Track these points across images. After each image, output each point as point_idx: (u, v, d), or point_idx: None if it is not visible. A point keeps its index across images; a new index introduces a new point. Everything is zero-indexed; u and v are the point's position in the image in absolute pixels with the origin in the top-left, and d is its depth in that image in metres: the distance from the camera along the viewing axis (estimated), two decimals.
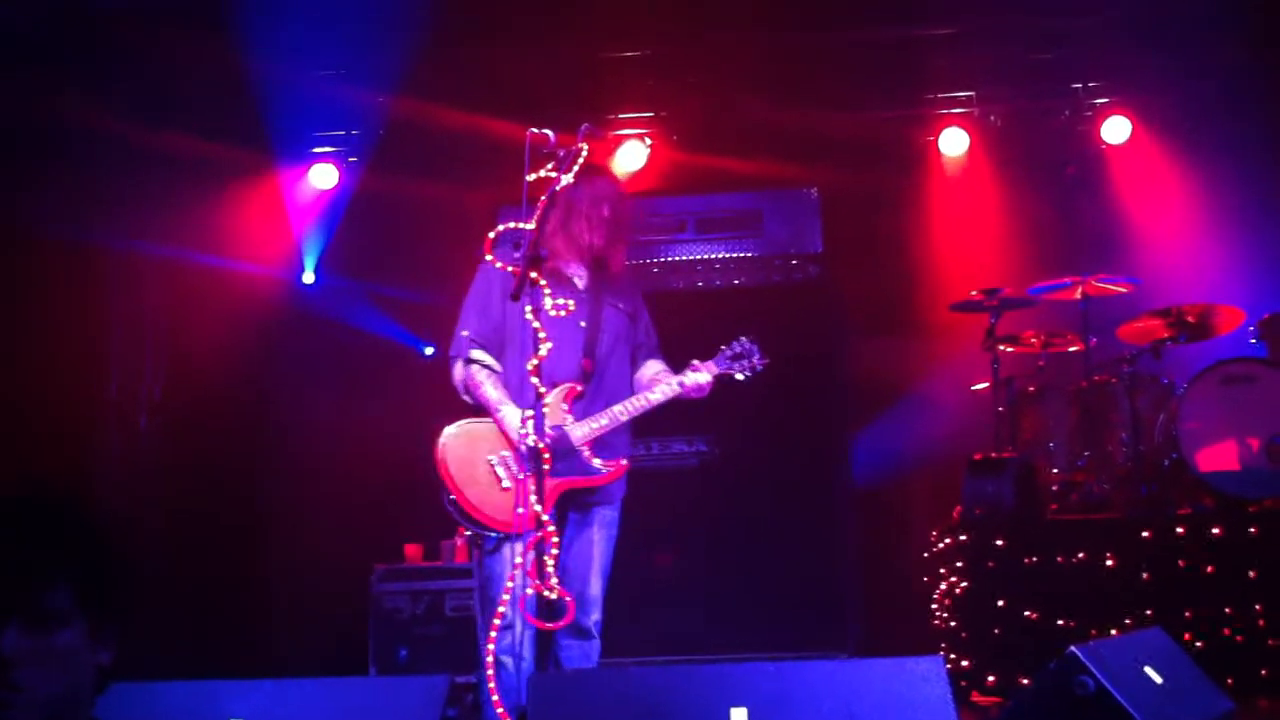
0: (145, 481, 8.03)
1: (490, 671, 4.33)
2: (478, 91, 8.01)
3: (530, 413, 4.32)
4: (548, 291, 4.39)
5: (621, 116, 8.43)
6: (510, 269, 4.48)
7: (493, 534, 4.57)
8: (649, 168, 8.41)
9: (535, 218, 4.33)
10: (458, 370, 4.79)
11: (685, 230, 7.50)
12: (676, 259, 7.44)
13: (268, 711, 3.67)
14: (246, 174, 8.31)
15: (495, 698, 4.23)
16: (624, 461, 4.78)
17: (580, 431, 4.65)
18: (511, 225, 4.51)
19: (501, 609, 4.38)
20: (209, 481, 8.02)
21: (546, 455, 4.22)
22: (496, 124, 7.62)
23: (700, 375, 4.76)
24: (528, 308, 4.29)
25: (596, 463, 4.66)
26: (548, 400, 4.48)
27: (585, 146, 4.43)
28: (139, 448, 8.24)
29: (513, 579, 4.43)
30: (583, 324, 4.74)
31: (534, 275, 4.28)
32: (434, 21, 7.38)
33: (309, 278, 8.53)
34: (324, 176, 8.49)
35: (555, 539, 4.30)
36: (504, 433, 4.61)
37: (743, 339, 4.86)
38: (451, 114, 8.16)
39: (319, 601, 7.56)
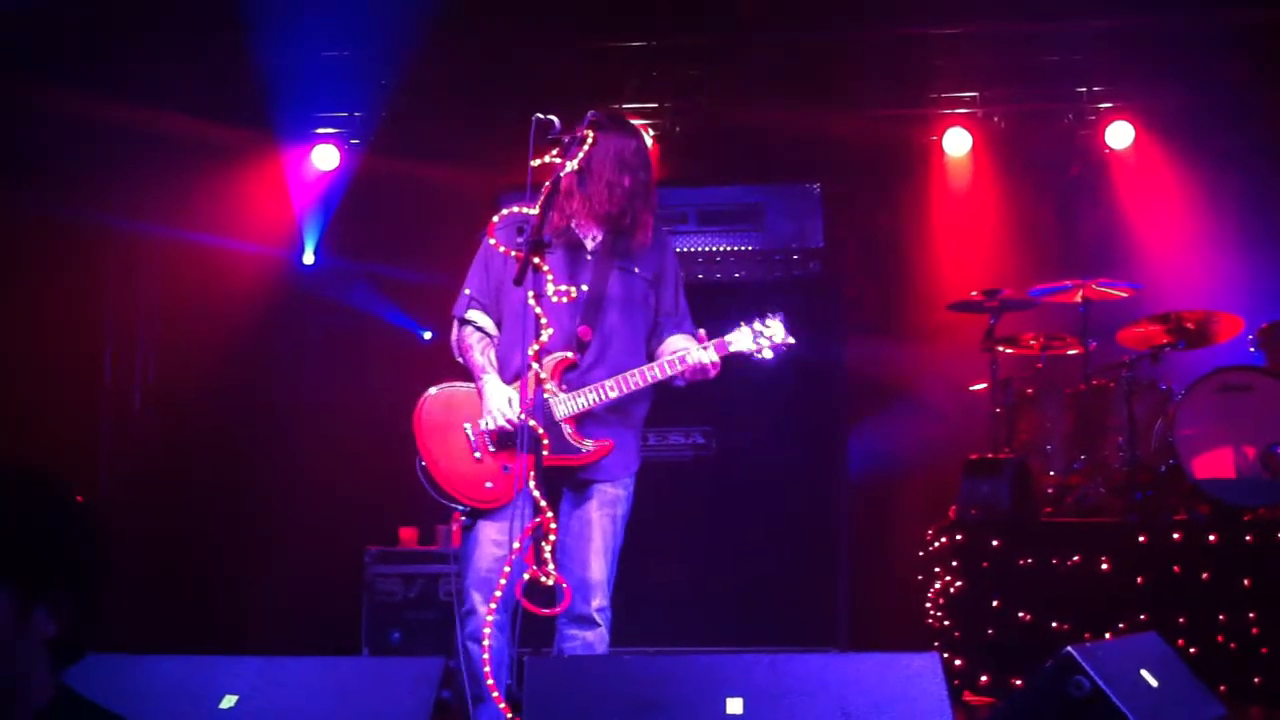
0: (139, 461, 8.02)
1: (486, 652, 4.24)
2: (482, 76, 7.99)
3: (514, 392, 4.34)
4: (550, 278, 4.29)
5: (626, 106, 8.41)
6: (514, 254, 4.41)
7: (459, 507, 4.43)
8: (652, 158, 8.38)
9: (539, 203, 4.24)
10: (455, 329, 4.65)
11: (687, 222, 7.47)
12: (678, 250, 7.36)
13: (262, 688, 3.65)
14: (248, 154, 8.27)
15: (487, 669, 4.18)
16: (610, 441, 4.42)
17: (563, 408, 4.36)
18: (516, 209, 4.45)
19: (476, 594, 4.32)
20: (204, 461, 8.01)
21: (545, 441, 4.15)
22: (500, 109, 7.60)
23: (706, 354, 4.39)
24: (530, 293, 4.23)
25: (587, 444, 4.39)
26: (541, 373, 4.37)
27: (590, 134, 4.34)
28: (133, 427, 8.22)
29: (482, 562, 4.36)
30: (584, 288, 4.45)
31: (536, 261, 4.22)
32: (439, 5, 7.36)
33: (309, 258, 8.50)
34: (326, 157, 8.47)
35: (553, 524, 4.14)
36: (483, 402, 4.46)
37: (768, 316, 4.51)
38: (455, 98, 8.14)
39: (313, 583, 7.52)
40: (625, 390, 4.42)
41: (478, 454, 4.43)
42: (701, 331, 4.48)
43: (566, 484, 4.47)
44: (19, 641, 2.00)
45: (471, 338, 4.57)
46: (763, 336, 4.48)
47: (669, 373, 4.43)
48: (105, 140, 7.79)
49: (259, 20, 7.47)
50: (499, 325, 4.61)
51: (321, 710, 3.65)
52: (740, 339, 4.47)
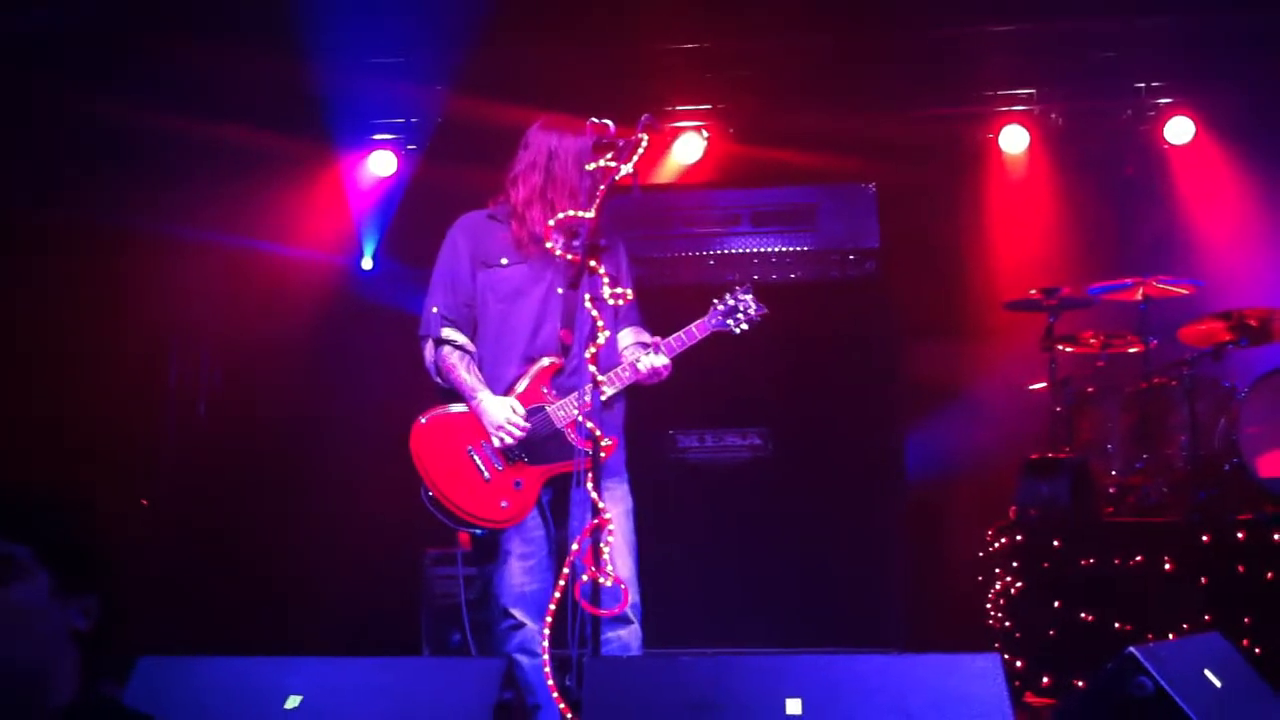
0: (203, 463, 8.12)
1: (547, 665, 4.24)
2: (535, 81, 8.01)
3: (515, 402, 4.35)
4: (606, 280, 4.31)
5: (679, 109, 8.43)
6: (570, 256, 4.41)
7: (476, 530, 4.42)
8: (706, 160, 8.41)
9: (594, 207, 4.25)
10: (428, 351, 4.61)
11: (741, 223, 7.45)
12: (731, 252, 7.40)
13: (325, 688, 3.69)
14: (306, 161, 8.37)
15: (550, 682, 4.21)
16: (614, 439, 4.45)
17: (562, 412, 4.43)
18: (570, 214, 4.46)
19: (517, 610, 4.34)
20: (266, 464, 8.09)
21: (604, 444, 4.13)
22: (553, 112, 7.60)
23: (657, 359, 4.45)
24: (586, 296, 4.23)
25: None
26: (525, 380, 4.39)
27: (645, 137, 4.28)
28: (197, 431, 8.33)
29: (514, 579, 4.36)
30: (560, 290, 4.46)
31: (593, 264, 4.24)
32: (492, 10, 7.40)
33: (367, 264, 8.58)
34: (383, 163, 8.54)
35: (611, 525, 4.14)
36: (481, 421, 4.43)
37: (736, 291, 4.58)
38: (509, 103, 8.16)
39: (373, 585, 7.59)
40: (617, 388, 4.46)
41: (487, 475, 4.42)
42: (657, 338, 4.52)
43: (573, 487, 4.37)
44: (49, 625, 2.04)
45: (452, 357, 4.54)
46: (736, 311, 4.54)
47: (625, 381, 4.46)
48: (166, 150, 7.90)
49: (313, 29, 7.53)
50: (473, 334, 4.58)
51: (384, 710, 3.68)
52: (716, 320, 4.53)
